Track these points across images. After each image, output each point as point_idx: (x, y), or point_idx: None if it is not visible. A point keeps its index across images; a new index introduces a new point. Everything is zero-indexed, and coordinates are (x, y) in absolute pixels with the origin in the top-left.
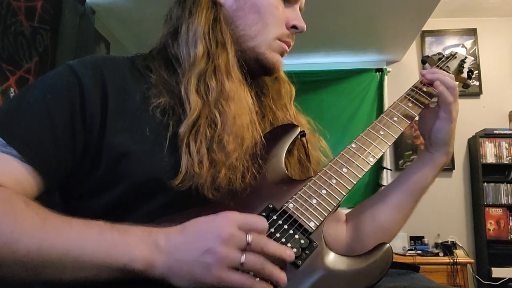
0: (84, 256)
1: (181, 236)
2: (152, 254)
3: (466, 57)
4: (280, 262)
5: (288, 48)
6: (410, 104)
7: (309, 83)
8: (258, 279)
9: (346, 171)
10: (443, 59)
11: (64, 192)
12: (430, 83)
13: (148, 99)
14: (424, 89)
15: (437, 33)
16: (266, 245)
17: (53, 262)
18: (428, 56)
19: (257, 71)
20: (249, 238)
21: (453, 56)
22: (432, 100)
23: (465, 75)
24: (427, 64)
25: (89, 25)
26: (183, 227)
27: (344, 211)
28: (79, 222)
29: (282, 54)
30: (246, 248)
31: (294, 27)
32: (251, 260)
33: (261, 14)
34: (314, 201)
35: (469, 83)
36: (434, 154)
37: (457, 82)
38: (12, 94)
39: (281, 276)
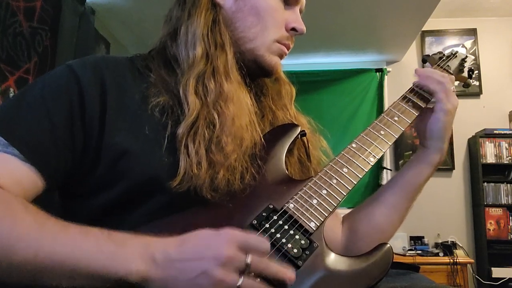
0: (80, 267)
1: (179, 251)
2: (148, 268)
3: (466, 56)
4: (280, 283)
5: (287, 50)
6: (411, 104)
7: (309, 83)
8: None
9: (346, 171)
10: (444, 58)
11: (64, 191)
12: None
13: (147, 98)
14: (424, 89)
15: (437, 33)
16: (267, 268)
17: (49, 270)
18: (428, 55)
19: (256, 72)
20: (249, 259)
21: (453, 55)
22: (432, 100)
23: (465, 74)
24: (427, 63)
25: (89, 25)
26: (181, 241)
27: (344, 211)
28: (76, 230)
29: (281, 56)
30: (245, 270)
31: (293, 29)
32: (249, 284)
33: (260, 16)
34: (315, 201)
35: (469, 82)
36: (428, 150)
37: (458, 82)
38: (11, 95)
39: None
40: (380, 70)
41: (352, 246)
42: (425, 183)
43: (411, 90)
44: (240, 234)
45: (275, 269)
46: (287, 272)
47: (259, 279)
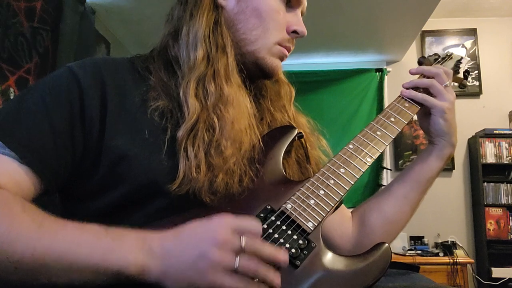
0: (79, 261)
1: (175, 240)
2: (146, 259)
3: (462, 58)
4: (275, 264)
5: (288, 52)
6: (407, 105)
7: (309, 83)
8: (253, 281)
9: (343, 171)
10: (439, 59)
11: (65, 194)
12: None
13: (146, 101)
14: (420, 90)
15: (437, 33)
16: (260, 249)
17: (48, 266)
18: (424, 57)
19: (256, 74)
20: (243, 242)
21: (449, 56)
22: None
23: (461, 75)
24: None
25: (89, 25)
26: (177, 231)
27: None
28: (74, 227)
29: (281, 59)
30: (240, 251)
31: (294, 32)
32: (245, 264)
33: (262, 18)
34: (312, 201)
35: (465, 83)
36: (438, 145)
37: (454, 83)
38: (12, 94)
39: (275, 279)
40: (380, 70)
41: (364, 238)
42: (437, 176)
43: None
44: (232, 218)
45: (269, 250)
46: (280, 253)
47: (255, 261)
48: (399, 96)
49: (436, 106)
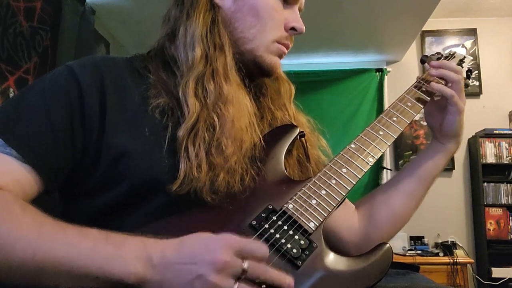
0: (78, 268)
1: (176, 255)
2: (146, 271)
3: (465, 57)
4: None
5: (287, 50)
6: (409, 104)
7: (309, 83)
8: None
9: (345, 171)
10: (442, 58)
11: (65, 192)
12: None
13: (147, 99)
14: (423, 89)
15: (437, 33)
16: (264, 274)
17: (47, 271)
18: (427, 56)
19: (255, 73)
20: (246, 265)
21: (452, 55)
22: (434, 98)
23: (464, 74)
24: (426, 64)
25: (89, 25)
26: (179, 244)
27: None
28: (74, 232)
29: (280, 56)
30: (241, 275)
31: (293, 29)
32: None
33: (259, 16)
34: (314, 201)
35: (468, 83)
36: (445, 145)
37: None
38: (11, 94)
39: None
40: (380, 70)
41: (372, 231)
42: (441, 172)
43: (410, 90)
44: (238, 240)
45: (274, 274)
46: (286, 278)
47: (256, 286)
48: (401, 96)
49: (459, 105)
